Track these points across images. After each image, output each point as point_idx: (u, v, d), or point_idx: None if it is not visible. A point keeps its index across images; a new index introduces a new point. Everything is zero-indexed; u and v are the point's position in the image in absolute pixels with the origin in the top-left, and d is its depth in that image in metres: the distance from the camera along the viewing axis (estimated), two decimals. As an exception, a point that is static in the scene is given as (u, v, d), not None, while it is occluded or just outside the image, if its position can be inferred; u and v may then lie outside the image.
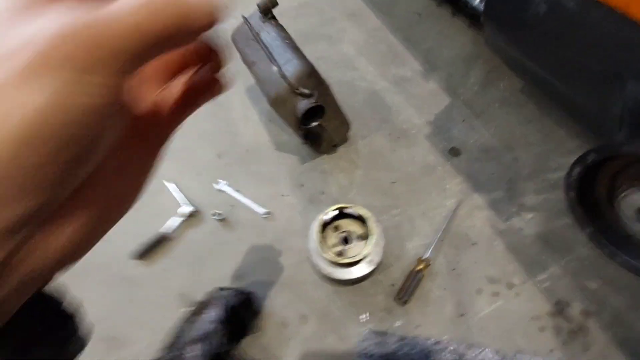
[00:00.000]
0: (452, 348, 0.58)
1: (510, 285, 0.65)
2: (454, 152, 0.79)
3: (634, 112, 0.50)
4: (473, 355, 0.58)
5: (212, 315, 0.60)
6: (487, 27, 0.71)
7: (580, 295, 0.63)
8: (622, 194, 0.55)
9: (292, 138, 0.79)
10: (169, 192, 0.78)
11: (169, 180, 0.79)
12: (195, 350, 0.58)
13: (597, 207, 0.61)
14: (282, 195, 0.77)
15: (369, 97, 0.88)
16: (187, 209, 0.75)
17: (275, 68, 0.66)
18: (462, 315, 0.62)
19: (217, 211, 0.73)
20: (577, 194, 0.59)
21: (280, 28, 0.72)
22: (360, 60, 0.96)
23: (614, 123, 0.55)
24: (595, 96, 0.58)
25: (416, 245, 0.69)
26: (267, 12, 0.72)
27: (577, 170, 0.56)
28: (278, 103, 0.66)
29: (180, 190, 0.78)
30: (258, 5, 0.72)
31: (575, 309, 0.62)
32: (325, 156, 0.81)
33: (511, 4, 0.63)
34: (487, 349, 0.58)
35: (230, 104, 0.91)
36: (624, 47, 0.50)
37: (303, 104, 0.64)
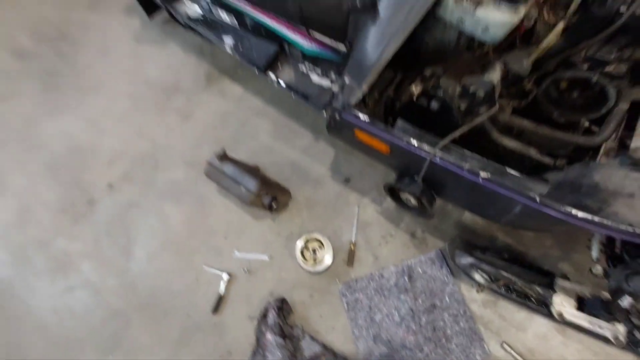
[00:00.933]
0: (377, 273, 1.35)
1: (387, 235, 1.44)
2: (347, 180, 1.54)
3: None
4: (388, 272, 1.35)
5: (270, 315, 1.28)
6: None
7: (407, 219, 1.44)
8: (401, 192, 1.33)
9: (261, 210, 1.46)
10: (210, 272, 1.40)
11: (206, 266, 1.41)
12: (269, 335, 1.26)
13: (395, 195, 1.40)
14: (272, 243, 1.45)
15: (291, 168, 1.57)
16: (225, 276, 1.38)
17: (243, 189, 1.31)
18: (376, 258, 1.40)
19: (244, 268, 1.39)
20: (390, 192, 1.37)
21: (233, 162, 1.36)
22: (276, 144, 1.63)
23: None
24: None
25: (347, 237, 1.44)
26: (222, 157, 1.34)
27: (387, 187, 1.33)
28: (252, 204, 1.32)
29: (214, 267, 1.41)
30: (216, 155, 1.34)
31: (416, 228, 1.43)
32: (283, 212, 1.49)
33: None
34: (391, 266, 1.36)
35: (213, 204, 1.53)
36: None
37: (266, 201, 1.31)
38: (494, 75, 0.98)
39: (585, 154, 1.07)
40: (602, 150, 1.03)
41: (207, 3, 1.61)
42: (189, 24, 1.64)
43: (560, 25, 0.91)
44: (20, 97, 1.85)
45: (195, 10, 1.64)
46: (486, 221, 1.37)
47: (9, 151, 1.73)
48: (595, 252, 1.03)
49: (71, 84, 1.88)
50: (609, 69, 0.99)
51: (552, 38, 0.95)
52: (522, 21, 0.92)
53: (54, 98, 1.85)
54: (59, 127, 1.78)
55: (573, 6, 0.89)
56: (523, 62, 0.98)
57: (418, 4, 0.89)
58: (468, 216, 1.41)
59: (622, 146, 1.05)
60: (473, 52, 1.01)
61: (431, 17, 0.93)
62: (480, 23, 0.87)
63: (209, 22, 1.60)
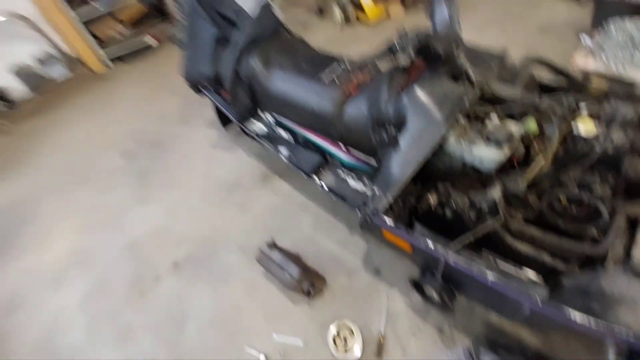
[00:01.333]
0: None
1: (415, 329, 1.53)
2: (377, 271, 1.73)
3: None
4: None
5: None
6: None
7: (434, 313, 1.53)
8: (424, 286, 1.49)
9: (299, 295, 1.66)
10: (249, 352, 1.56)
11: (247, 346, 1.58)
12: None
13: (419, 289, 1.54)
14: (306, 328, 1.60)
15: (328, 257, 1.82)
16: (262, 358, 1.53)
17: (287, 275, 1.56)
18: (404, 352, 1.48)
19: (280, 352, 1.54)
20: (415, 286, 1.53)
21: (280, 250, 1.64)
22: (316, 235, 1.92)
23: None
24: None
25: (377, 326, 1.56)
26: (271, 246, 1.64)
27: (412, 281, 1.50)
28: (293, 289, 1.54)
29: (254, 347, 1.57)
30: (267, 244, 1.64)
31: (444, 323, 1.51)
32: (319, 298, 1.68)
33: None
34: (419, 363, 1.43)
35: (259, 287, 1.77)
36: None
37: (305, 287, 1.54)
38: (495, 192, 1.24)
39: (595, 260, 1.21)
40: (609, 257, 1.17)
41: (271, 124, 2.14)
42: (255, 137, 2.15)
43: (541, 158, 1.18)
44: (120, 189, 2.41)
45: (261, 127, 2.17)
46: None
47: (103, 232, 2.19)
48: (611, 356, 1.08)
49: (159, 180, 2.42)
50: (596, 190, 1.20)
51: (540, 165, 1.21)
52: (512, 154, 1.21)
53: (144, 190, 2.37)
54: (144, 214, 2.25)
55: (553, 144, 1.18)
56: (518, 183, 1.23)
57: (429, 142, 1.24)
58: (494, 314, 1.49)
59: (629, 254, 1.19)
60: (478, 173, 1.29)
61: (440, 150, 1.26)
62: (476, 157, 1.17)
63: (270, 137, 2.10)
